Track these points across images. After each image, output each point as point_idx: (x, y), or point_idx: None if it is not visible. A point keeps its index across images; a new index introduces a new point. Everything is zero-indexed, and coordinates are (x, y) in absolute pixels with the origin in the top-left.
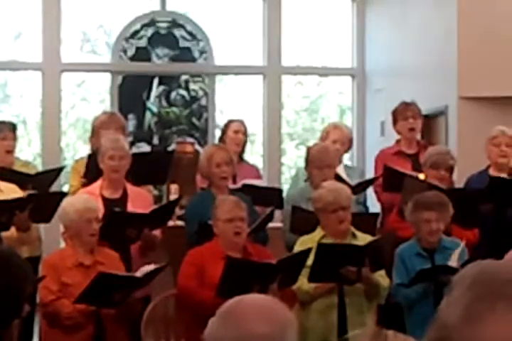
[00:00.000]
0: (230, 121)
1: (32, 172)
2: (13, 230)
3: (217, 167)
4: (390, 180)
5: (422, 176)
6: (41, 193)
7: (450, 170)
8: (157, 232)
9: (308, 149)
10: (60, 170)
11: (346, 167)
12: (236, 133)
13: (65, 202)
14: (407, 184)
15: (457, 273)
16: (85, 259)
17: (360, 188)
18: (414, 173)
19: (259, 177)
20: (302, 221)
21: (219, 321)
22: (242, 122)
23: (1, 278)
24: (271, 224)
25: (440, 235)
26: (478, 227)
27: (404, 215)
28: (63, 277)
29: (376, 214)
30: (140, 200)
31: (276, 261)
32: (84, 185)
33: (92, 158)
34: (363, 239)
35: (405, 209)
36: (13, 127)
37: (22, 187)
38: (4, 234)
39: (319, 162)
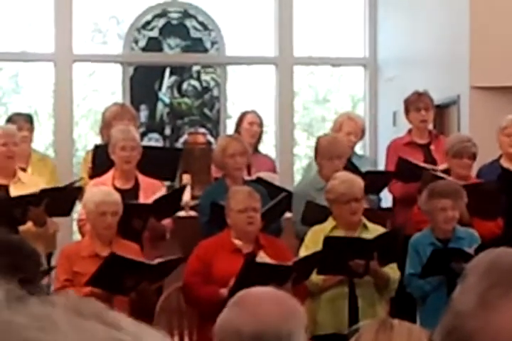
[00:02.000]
0: (245, 113)
1: (49, 168)
2: (29, 225)
3: (231, 157)
4: (403, 171)
5: (438, 168)
6: (55, 188)
7: (473, 157)
8: (167, 222)
9: (318, 140)
10: (78, 190)
11: (357, 156)
12: (251, 125)
13: (87, 192)
14: (426, 177)
15: (471, 260)
16: (102, 250)
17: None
18: (429, 165)
19: (273, 168)
20: (314, 214)
21: (233, 310)
22: (256, 113)
23: (13, 264)
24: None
25: (455, 224)
26: (502, 218)
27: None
28: (75, 266)
29: (389, 209)
30: (152, 190)
31: (292, 263)
32: (91, 176)
33: (99, 149)
34: (374, 230)
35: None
36: (29, 119)
37: None
38: (21, 228)
39: (329, 153)
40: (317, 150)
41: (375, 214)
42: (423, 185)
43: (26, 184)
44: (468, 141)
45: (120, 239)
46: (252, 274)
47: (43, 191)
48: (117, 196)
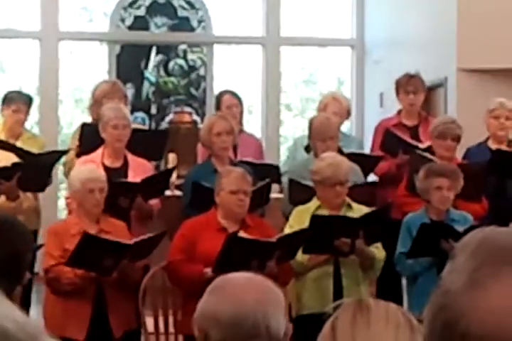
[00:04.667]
0: (221, 95)
1: (38, 146)
2: (2, 198)
3: (217, 136)
4: (388, 143)
5: (421, 146)
6: (28, 162)
7: (457, 139)
8: (155, 202)
9: (311, 121)
10: (64, 152)
11: (344, 136)
12: (229, 108)
13: (73, 170)
14: (413, 159)
15: (461, 239)
16: (90, 228)
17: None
18: (413, 141)
19: (259, 148)
20: (300, 193)
21: (210, 297)
22: (232, 93)
23: (4, 243)
24: (271, 195)
25: (449, 205)
26: (487, 199)
27: (411, 190)
28: (66, 244)
29: (374, 183)
30: (141, 170)
31: (276, 239)
32: (78, 154)
33: (87, 128)
34: (358, 210)
35: (415, 181)
36: (28, 100)
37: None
38: None
39: (322, 134)
40: (310, 131)
41: (362, 188)
42: (410, 166)
43: None
44: (453, 122)
45: (107, 217)
46: (235, 250)
47: (15, 164)
48: (103, 173)
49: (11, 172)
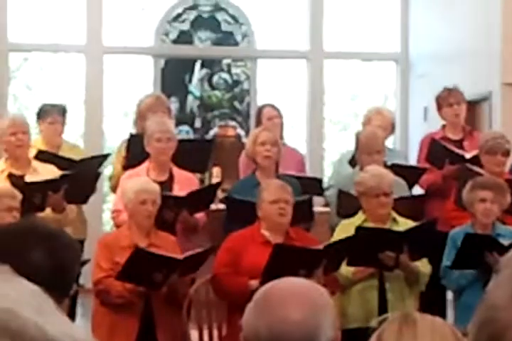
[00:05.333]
0: (261, 108)
1: (78, 156)
2: (48, 211)
3: (261, 145)
4: (435, 154)
5: (468, 155)
6: (75, 174)
7: (507, 154)
8: (201, 216)
9: (357, 135)
10: (105, 156)
11: (389, 150)
12: (270, 120)
13: (128, 181)
14: (463, 172)
15: (506, 253)
16: (141, 241)
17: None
18: (460, 151)
19: (302, 162)
20: (348, 205)
21: (253, 308)
22: (273, 106)
23: (51, 255)
24: (316, 209)
25: (494, 218)
26: None
27: (459, 204)
28: (116, 257)
29: (421, 196)
30: (186, 183)
31: (322, 247)
32: (126, 166)
33: (134, 139)
34: (404, 224)
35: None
36: (62, 111)
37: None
38: (40, 214)
39: (369, 148)
40: (357, 144)
41: (408, 201)
42: (459, 180)
43: (41, 173)
44: (502, 137)
45: (157, 230)
46: (282, 260)
47: (63, 176)
48: (156, 185)
49: (58, 185)
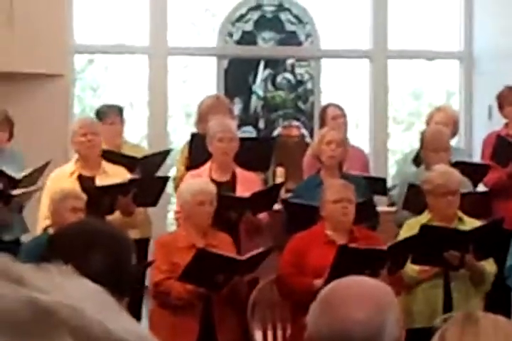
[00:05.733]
0: (325, 108)
1: (139, 155)
2: (117, 214)
3: (327, 145)
4: (500, 151)
5: None
6: (144, 177)
7: None
8: (264, 216)
9: (423, 133)
10: (167, 152)
11: (453, 149)
12: (335, 119)
13: (184, 183)
14: None
15: None
16: (198, 241)
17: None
18: None
19: (366, 161)
20: (416, 200)
21: (317, 307)
22: (336, 106)
23: (108, 255)
24: (380, 208)
25: None
26: None
27: None
28: (174, 258)
29: (486, 193)
30: (249, 184)
31: (387, 247)
32: (189, 167)
33: (196, 138)
34: (470, 223)
35: None
36: (119, 111)
37: (130, 170)
38: (109, 217)
39: (434, 145)
40: (422, 143)
41: (474, 198)
42: None
43: (111, 175)
44: None
45: (214, 231)
46: (347, 260)
47: (132, 180)
48: (213, 186)
49: (127, 188)
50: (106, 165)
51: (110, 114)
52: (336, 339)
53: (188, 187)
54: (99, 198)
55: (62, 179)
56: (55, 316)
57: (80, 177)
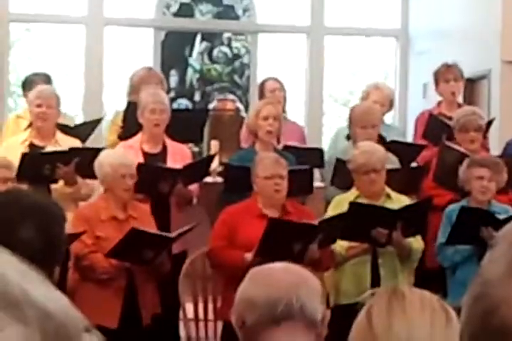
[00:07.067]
0: (264, 82)
1: (69, 123)
2: (60, 183)
3: (264, 120)
4: (432, 129)
5: None
6: (84, 147)
7: (479, 130)
8: (195, 188)
9: (352, 109)
10: (98, 121)
11: (386, 126)
12: (273, 92)
13: (102, 155)
14: (443, 152)
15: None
16: (119, 213)
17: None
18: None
19: (302, 136)
20: (344, 175)
21: (247, 283)
22: (276, 79)
23: (41, 224)
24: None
25: (490, 196)
26: None
27: (437, 182)
28: (97, 230)
29: (415, 169)
30: (179, 155)
31: (317, 222)
32: (121, 137)
33: (131, 109)
34: (397, 200)
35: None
36: (47, 78)
37: (82, 142)
38: (53, 186)
39: (363, 122)
40: (351, 119)
41: (400, 173)
42: (440, 160)
43: (62, 146)
44: (473, 113)
45: (133, 202)
46: (277, 234)
47: (72, 149)
48: (133, 159)
49: (68, 157)
50: (60, 136)
51: (38, 82)
52: (263, 303)
53: (107, 160)
54: (39, 165)
55: (14, 147)
56: None
57: (31, 146)
